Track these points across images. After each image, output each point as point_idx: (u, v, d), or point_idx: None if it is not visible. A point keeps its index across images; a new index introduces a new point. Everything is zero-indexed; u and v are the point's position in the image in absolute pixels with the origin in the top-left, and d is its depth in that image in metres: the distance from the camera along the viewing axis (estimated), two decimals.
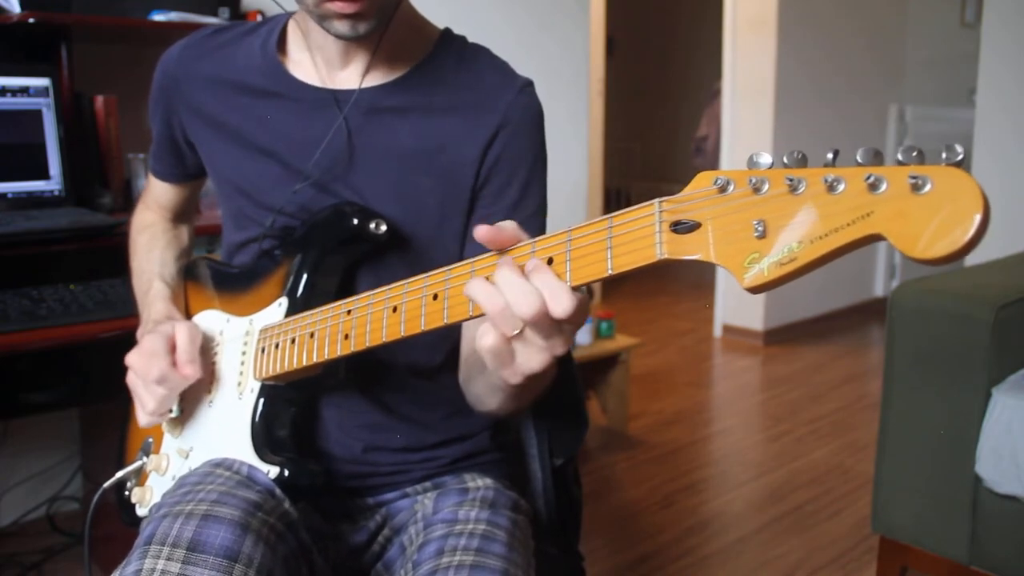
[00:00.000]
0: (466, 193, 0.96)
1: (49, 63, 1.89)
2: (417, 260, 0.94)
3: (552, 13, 3.03)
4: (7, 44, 1.91)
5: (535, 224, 0.97)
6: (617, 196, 6.85)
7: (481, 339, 0.67)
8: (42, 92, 1.82)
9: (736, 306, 4.15)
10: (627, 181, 6.97)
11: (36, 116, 1.81)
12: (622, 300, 4.58)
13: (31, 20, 1.77)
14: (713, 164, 4.61)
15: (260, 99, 0.98)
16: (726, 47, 4.10)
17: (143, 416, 0.96)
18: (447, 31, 1.01)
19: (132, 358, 0.94)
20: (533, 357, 0.67)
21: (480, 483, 1.00)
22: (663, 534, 2.27)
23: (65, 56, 1.90)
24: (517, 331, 0.65)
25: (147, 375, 0.92)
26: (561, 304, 0.63)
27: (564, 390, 1.16)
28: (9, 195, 1.79)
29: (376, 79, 0.96)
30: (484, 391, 0.89)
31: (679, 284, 5.35)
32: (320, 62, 0.97)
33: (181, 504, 0.80)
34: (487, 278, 0.67)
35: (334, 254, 0.93)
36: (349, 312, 0.82)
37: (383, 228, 0.91)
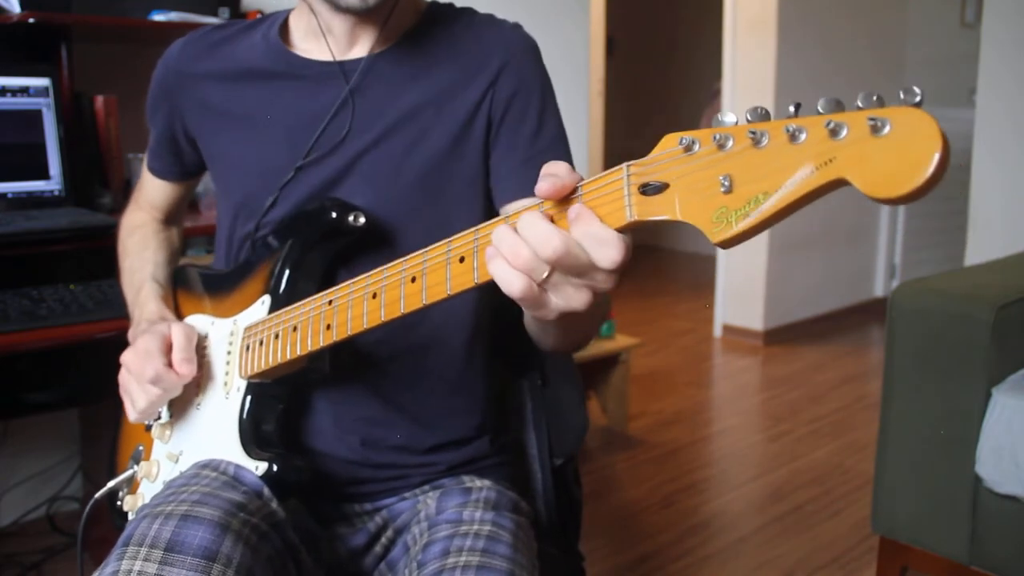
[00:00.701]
0: (479, 134, 0.97)
1: (49, 63, 1.89)
2: (430, 221, 0.96)
3: (552, 13, 3.03)
4: (7, 44, 1.91)
5: (560, 148, 0.99)
6: None
7: (509, 287, 0.62)
8: (42, 92, 1.82)
9: (736, 306, 4.15)
10: None
11: (36, 116, 1.81)
12: (622, 300, 4.57)
13: (31, 20, 1.77)
14: None
15: (267, 81, 1.00)
16: (726, 47, 4.09)
17: (132, 414, 0.96)
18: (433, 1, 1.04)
19: (127, 356, 0.94)
20: (572, 296, 0.62)
21: (480, 483, 1.00)
22: (663, 534, 2.27)
23: (65, 56, 1.90)
24: (545, 276, 0.61)
25: (142, 374, 0.92)
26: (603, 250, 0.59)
27: (564, 390, 1.16)
28: (9, 195, 1.79)
29: (378, 49, 0.98)
30: (535, 331, 0.88)
31: (679, 284, 5.35)
32: (328, 45, 0.98)
33: (162, 505, 0.79)
34: (512, 225, 0.62)
35: (314, 250, 0.94)
36: (331, 302, 0.82)
37: (361, 220, 0.92)
